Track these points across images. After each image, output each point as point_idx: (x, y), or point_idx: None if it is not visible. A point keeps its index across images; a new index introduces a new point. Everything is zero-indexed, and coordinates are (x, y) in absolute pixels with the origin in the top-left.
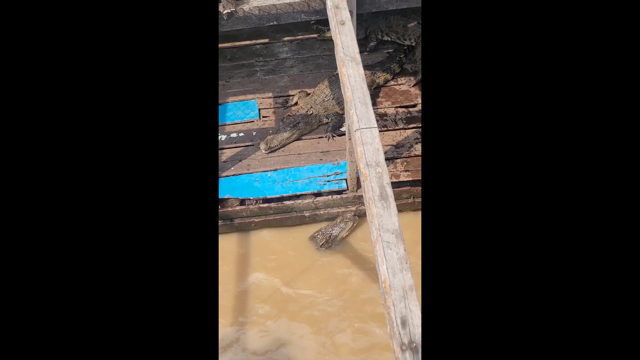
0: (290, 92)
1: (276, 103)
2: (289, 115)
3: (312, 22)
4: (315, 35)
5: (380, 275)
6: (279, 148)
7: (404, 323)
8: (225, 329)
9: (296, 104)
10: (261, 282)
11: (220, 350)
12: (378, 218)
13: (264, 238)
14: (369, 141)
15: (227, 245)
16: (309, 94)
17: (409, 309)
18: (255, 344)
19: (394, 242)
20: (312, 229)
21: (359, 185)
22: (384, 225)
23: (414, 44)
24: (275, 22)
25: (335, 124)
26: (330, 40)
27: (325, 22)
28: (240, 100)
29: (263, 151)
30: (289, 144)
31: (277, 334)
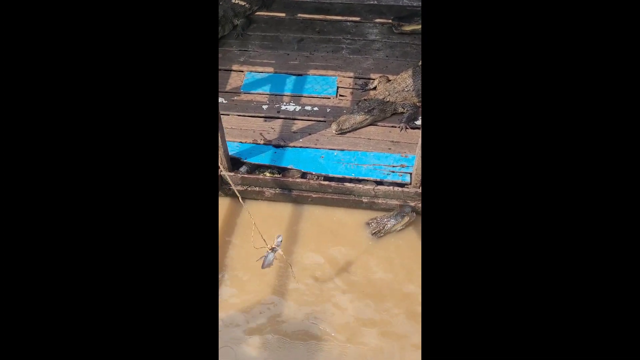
0: (372, 76)
1: (355, 84)
2: (365, 99)
3: (392, 18)
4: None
5: None
6: (350, 131)
7: None
8: (263, 294)
9: (375, 88)
10: (307, 255)
11: (253, 314)
12: None
13: (318, 214)
14: None
15: (281, 213)
16: (390, 80)
17: None
18: (289, 313)
19: None
20: (365, 215)
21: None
22: None
23: None
24: (375, 2)
25: (410, 115)
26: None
27: (404, 19)
28: (321, 75)
29: (334, 131)
30: (360, 128)
31: (312, 307)
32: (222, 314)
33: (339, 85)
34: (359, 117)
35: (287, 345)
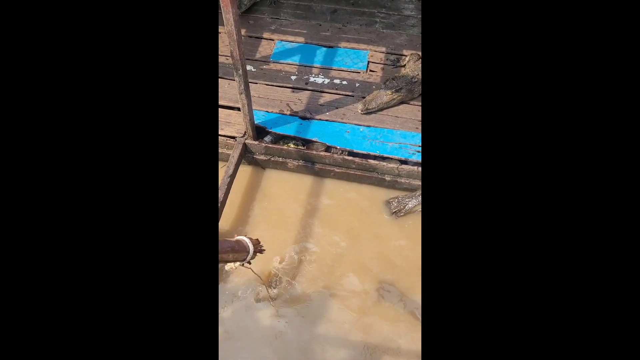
0: (404, 52)
1: (387, 59)
2: (393, 78)
3: None
4: None
5: None
6: (377, 111)
7: None
8: (273, 264)
9: (404, 66)
10: (325, 229)
11: (268, 283)
12: None
13: (338, 189)
14: None
15: (302, 185)
16: (421, 58)
17: None
18: (303, 284)
19: None
20: (386, 193)
21: None
22: None
23: None
24: None
25: None
26: None
27: None
28: (352, 49)
29: (359, 111)
30: (387, 108)
31: (327, 280)
32: (234, 281)
33: (370, 60)
34: (385, 98)
35: (297, 314)
